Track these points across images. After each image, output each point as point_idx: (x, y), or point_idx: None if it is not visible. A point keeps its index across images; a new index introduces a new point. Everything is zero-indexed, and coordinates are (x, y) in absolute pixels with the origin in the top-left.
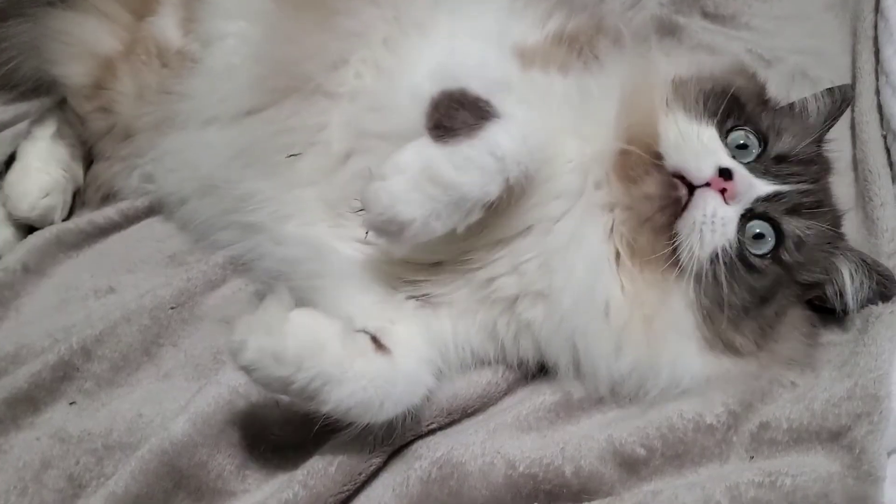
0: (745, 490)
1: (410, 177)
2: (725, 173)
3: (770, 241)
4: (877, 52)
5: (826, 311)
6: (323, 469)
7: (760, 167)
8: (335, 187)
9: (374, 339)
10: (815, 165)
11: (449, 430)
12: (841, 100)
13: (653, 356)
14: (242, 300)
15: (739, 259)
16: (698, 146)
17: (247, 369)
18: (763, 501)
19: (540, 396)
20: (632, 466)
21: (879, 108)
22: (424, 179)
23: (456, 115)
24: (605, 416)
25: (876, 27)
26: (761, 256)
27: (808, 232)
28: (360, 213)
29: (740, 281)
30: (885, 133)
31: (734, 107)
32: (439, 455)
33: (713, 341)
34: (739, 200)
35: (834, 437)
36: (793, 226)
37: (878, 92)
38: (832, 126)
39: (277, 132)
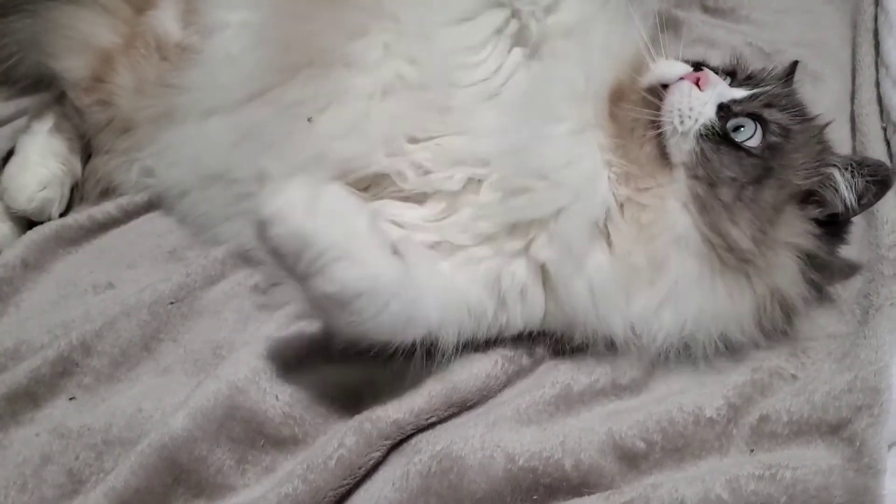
0: (745, 483)
1: None
2: (696, 67)
3: (753, 129)
4: (877, 45)
5: (832, 228)
6: (322, 463)
7: (734, 84)
8: None
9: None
10: (787, 88)
11: (448, 424)
12: (790, 70)
13: (658, 295)
14: (242, 294)
15: (726, 139)
16: (670, 62)
17: (269, 220)
18: (763, 494)
19: (539, 389)
20: (632, 460)
21: (879, 100)
22: None
23: None
24: (605, 409)
25: (876, 19)
26: (748, 140)
27: (791, 122)
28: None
29: (730, 157)
30: (884, 125)
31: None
32: (439, 449)
33: (712, 238)
34: (714, 87)
35: (834, 429)
36: (775, 115)
37: (877, 84)
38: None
39: (285, 108)
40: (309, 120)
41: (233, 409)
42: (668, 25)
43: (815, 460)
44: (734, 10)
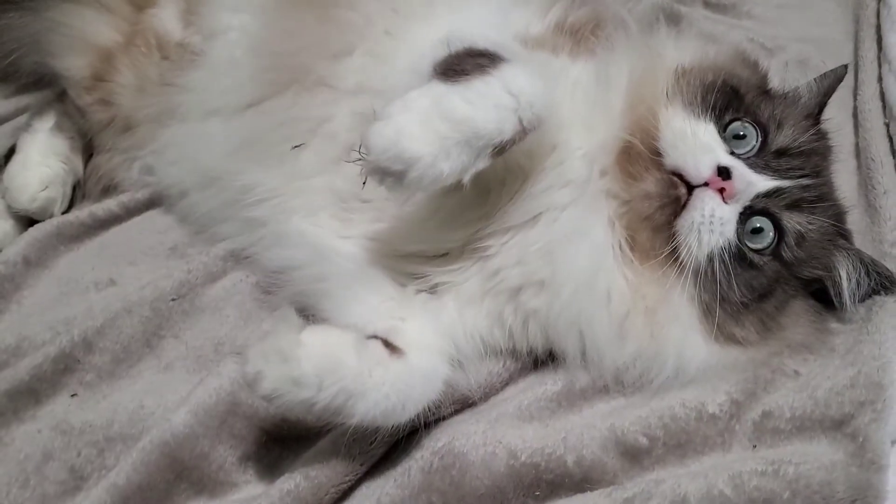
0: (747, 479)
1: (419, 113)
2: (724, 172)
3: (770, 236)
4: (879, 40)
5: (829, 301)
6: (325, 459)
7: (761, 161)
8: (343, 177)
9: (387, 343)
10: (816, 156)
11: (450, 420)
12: (834, 78)
13: (657, 345)
14: (243, 291)
15: (738, 257)
16: (696, 144)
17: (267, 398)
18: (766, 490)
19: (542, 386)
20: (634, 456)
21: (882, 96)
22: (434, 115)
23: (467, 60)
24: (607, 406)
25: (878, 15)
26: (761, 252)
27: (809, 227)
28: (359, 162)
29: (738, 278)
30: (887, 121)
31: (733, 99)
32: (441, 445)
33: (715, 333)
34: (738, 199)
35: (837, 425)
36: (794, 222)
37: (880, 80)
38: (827, 102)
39: (280, 123)
40: (294, 147)
41: (235, 405)
42: (669, 21)
43: (817, 456)
44: (735, 6)
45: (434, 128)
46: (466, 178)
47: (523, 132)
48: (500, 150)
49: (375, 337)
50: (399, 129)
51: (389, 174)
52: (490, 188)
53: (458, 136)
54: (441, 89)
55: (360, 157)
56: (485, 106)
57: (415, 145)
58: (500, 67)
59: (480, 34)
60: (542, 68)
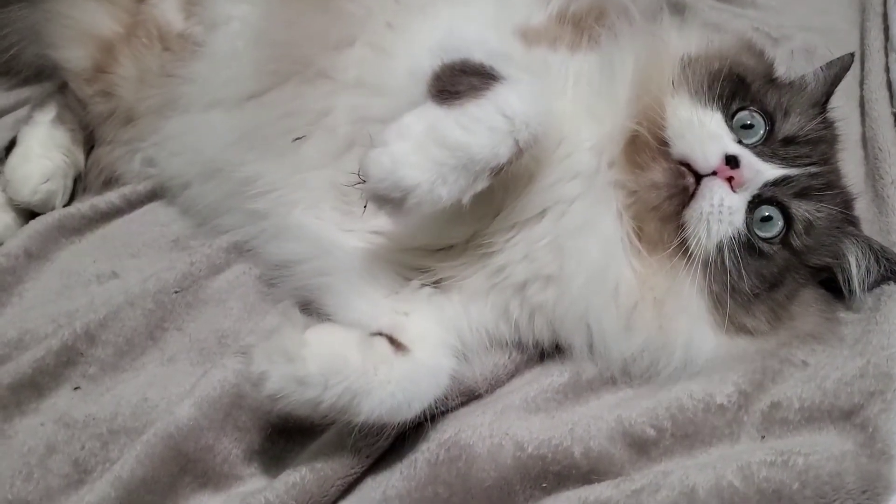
0: (756, 470)
1: (414, 140)
2: (732, 161)
3: (779, 225)
4: (886, 29)
5: (838, 290)
6: (330, 452)
7: (768, 150)
8: (343, 172)
9: (392, 340)
10: (823, 144)
11: (457, 413)
12: (840, 66)
13: (665, 337)
14: (246, 284)
15: (748, 246)
16: (703, 133)
17: (272, 398)
18: (775, 481)
19: (548, 377)
20: (641, 447)
21: (889, 85)
22: (429, 142)
23: (461, 79)
24: (614, 397)
25: (885, 4)
26: (770, 241)
27: (817, 215)
28: (359, 185)
29: (748, 268)
30: (894, 110)
31: (739, 87)
32: (447, 437)
33: (725, 324)
34: (747, 188)
35: (846, 415)
36: (802, 209)
37: (887, 69)
38: (833, 91)
39: (281, 115)
40: (295, 140)
41: (239, 398)
42: (675, 10)
43: (827, 446)
44: None
45: (430, 154)
46: (466, 200)
47: (520, 152)
48: (498, 171)
49: (380, 334)
50: (395, 157)
51: (388, 201)
52: (495, 186)
53: (454, 162)
54: (435, 114)
55: (359, 181)
56: (479, 130)
57: (412, 173)
58: (493, 88)
59: (478, 39)
60: (537, 80)
